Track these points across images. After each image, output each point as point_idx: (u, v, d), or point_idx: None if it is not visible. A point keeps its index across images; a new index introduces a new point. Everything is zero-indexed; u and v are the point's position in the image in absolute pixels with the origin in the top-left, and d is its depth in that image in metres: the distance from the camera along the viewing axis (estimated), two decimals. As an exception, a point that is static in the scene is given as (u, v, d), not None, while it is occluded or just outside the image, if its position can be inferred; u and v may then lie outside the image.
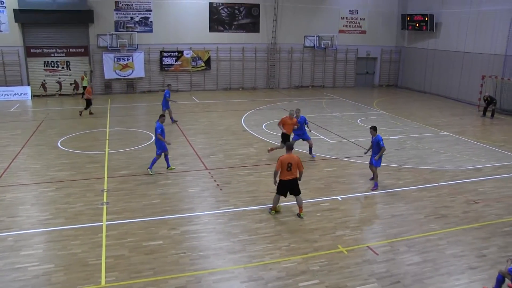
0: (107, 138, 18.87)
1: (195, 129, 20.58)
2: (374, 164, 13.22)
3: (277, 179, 11.12)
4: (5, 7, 27.60)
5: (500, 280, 8.10)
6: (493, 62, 27.28)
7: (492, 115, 24.82)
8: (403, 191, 13.33)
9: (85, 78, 27.89)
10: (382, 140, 13.04)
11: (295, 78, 34.62)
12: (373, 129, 13.26)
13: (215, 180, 13.88)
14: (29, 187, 13.24)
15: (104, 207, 11.78)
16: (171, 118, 21.37)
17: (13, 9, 27.40)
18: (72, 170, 14.72)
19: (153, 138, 14.00)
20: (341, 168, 15.45)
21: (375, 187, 13.38)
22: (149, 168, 14.29)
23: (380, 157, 13.15)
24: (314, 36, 33.91)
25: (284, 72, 34.28)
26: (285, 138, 15.70)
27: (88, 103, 23.19)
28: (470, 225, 11.09)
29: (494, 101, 24.96)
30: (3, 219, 11.00)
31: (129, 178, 13.94)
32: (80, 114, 23.29)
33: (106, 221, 10.91)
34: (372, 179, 13.76)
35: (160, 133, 13.92)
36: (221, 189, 13.16)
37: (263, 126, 21.15)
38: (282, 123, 15.72)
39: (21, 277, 8.50)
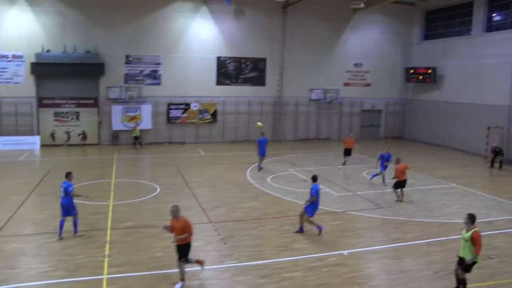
0: (112, 189, 18.81)
1: (200, 181, 20.47)
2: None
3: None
4: (24, 61, 28.66)
5: None
6: (497, 112, 27.39)
7: (500, 166, 24.68)
8: (411, 246, 13.01)
9: (136, 129, 30.01)
10: (314, 189, 13.40)
11: (301, 131, 34.80)
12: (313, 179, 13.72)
13: (219, 234, 13.65)
14: (31, 238, 13.06)
15: (106, 259, 11.56)
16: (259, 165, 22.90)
17: (30, 63, 28.46)
18: (75, 221, 14.54)
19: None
20: (348, 221, 15.20)
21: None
22: (75, 233, 13.26)
23: (310, 205, 13.49)
24: (319, 89, 34.38)
25: (290, 124, 34.51)
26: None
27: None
28: (484, 283, 10.71)
29: (502, 152, 24.90)
30: (1, 271, 10.77)
31: (133, 230, 13.75)
32: None
33: (107, 275, 10.66)
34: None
35: (71, 191, 13.07)
36: (225, 243, 12.90)
37: (268, 179, 20.96)
38: None
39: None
